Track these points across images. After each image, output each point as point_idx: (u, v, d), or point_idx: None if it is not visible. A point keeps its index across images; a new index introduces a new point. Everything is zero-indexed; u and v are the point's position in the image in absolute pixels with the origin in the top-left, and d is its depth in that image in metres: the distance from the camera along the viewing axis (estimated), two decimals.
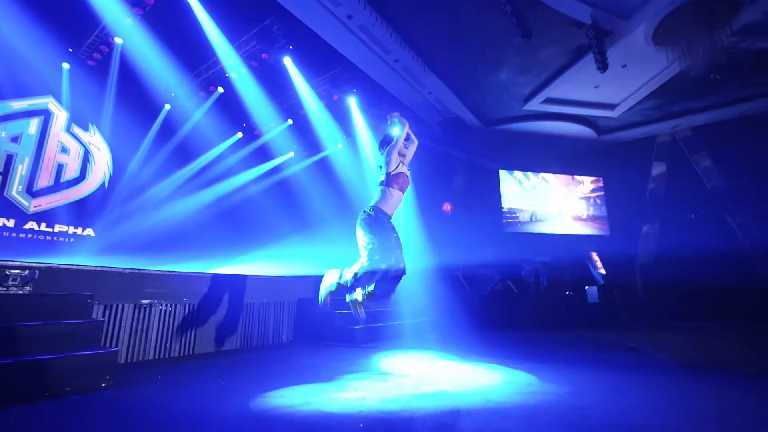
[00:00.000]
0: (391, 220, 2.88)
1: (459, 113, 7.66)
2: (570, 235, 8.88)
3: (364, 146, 7.90)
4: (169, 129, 7.11)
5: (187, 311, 3.16)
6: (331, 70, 6.61)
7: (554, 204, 9.08)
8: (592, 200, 9.22)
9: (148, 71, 6.19)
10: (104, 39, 5.71)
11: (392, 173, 2.91)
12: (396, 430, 1.61)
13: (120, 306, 2.71)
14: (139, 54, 5.85)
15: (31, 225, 5.89)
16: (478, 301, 6.87)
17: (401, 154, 3.04)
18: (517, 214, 8.85)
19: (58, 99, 6.22)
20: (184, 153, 7.18)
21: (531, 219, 8.87)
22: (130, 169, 6.83)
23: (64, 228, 6.21)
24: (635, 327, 6.68)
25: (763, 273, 7.00)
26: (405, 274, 2.84)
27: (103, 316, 2.62)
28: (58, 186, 6.23)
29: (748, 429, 1.71)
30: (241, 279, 3.86)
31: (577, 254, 8.51)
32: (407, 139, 3.19)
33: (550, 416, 1.81)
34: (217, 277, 3.63)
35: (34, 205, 5.95)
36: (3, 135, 5.76)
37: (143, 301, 2.81)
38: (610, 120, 7.79)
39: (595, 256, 8.50)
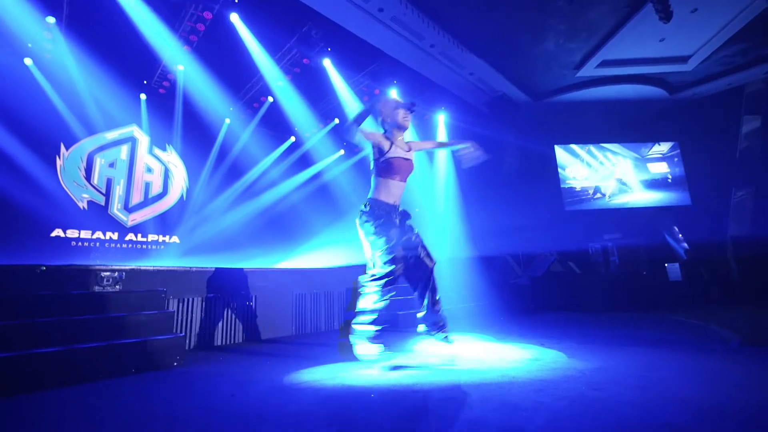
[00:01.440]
0: (397, 210, 2.60)
1: (505, 91, 7.34)
2: (644, 207, 8.07)
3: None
4: (229, 143, 7.85)
5: (246, 303, 3.59)
6: (371, 65, 6.73)
7: (622, 176, 8.30)
8: (667, 166, 8.25)
9: (207, 91, 6.87)
10: (169, 68, 6.45)
11: (380, 160, 2.57)
12: (401, 400, 1.73)
13: (189, 299, 3.19)
14: (198, 77, 6.52)
15: (131, 236, 6.90)
16: (530, 284, 6.60)
17: (388, 138, 2.64)
18: (580, 191, 8.26)
19: (140, 126, 7.18)
20: (240, 165, 7.93)
21: (595, 194, 8.22)
22: (201, 182, 7.67)
23: (156, 237, 7.18)
24: (729, 305, 5.93)
25: None
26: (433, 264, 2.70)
27: (176, 308, 3.11)
28: (147, 201, 7.21)
29: None
30: (291, 272, 4.27)
31: (654, 229, 7.72)
32: (398, 126, 2.70)
33: (558, 390, 1.77)
34: (269, 272, 4.05)
35: (131, 220, 6.96)
36: (103, 162, 6.81)
37: (209, 295, 3.27)
38: (684, 75, 6.89)
39: (675, 228, 7.65)
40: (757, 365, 2.18)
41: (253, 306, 3.64)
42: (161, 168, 7.47)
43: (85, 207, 6.46)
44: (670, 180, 8.15)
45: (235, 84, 6.82)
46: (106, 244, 6.60)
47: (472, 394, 1.75)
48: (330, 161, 8.72)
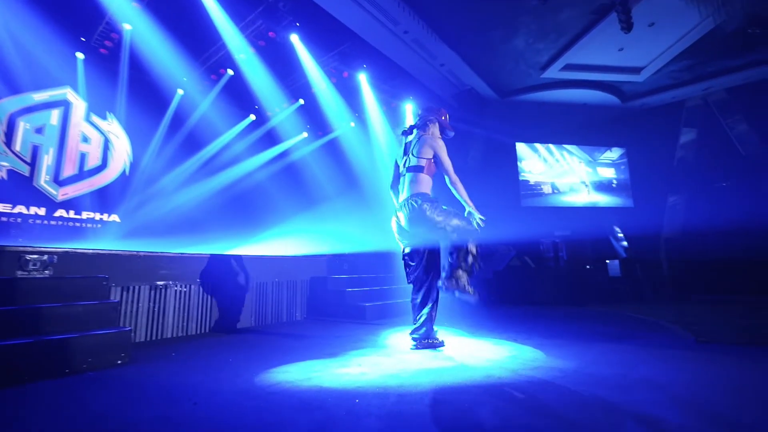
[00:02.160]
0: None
1: (474, 85, 7.40)
2: (591, 207, 8.61)
3: (374, 124, 7.77)
4: (183, 114, 7.19)
5: (202, 291, 3.29)
6: (341, 45, 6.44)
7: (574, 176, 8.77)
8: (614, 171, 8.85)
9: (158, 57, 6.22)
10: (113, 26, 5.73)
11: (431, 159, 3.04)
12: (390, 405, 1.61)
13: (136, 287, 2.85)
14: (148, 40, 5.87)
15: (61, 213, 6.15)
16: (493, 277, 6.82)
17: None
18: (536, 188, 8.62)
19: (75, 89, 6.35)
20: (198, 138, 7.28)
21: (551, 192, 8.63)
22: (148, 155, 6.99)
23: (92, 215, 6.46)
24: (659, 301, 6.53)
25: None
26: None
27: (120, 298, 2.75)
28: (82, 174, 6.44)
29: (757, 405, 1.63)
30: (253, 259, 3.98)
31: (599, 227, 8.26)
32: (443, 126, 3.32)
33: (548, 392, 1.77)
34: (229, 258, 3.75)
35: (61, 194, 6.20)
36: (28, 127, 5.96)
37: (158, 283, 2.94)
38: (636, 85, 7.35)
39: (617, 228, 8.24)
40: (721, 363, 2.34)
41: (210, 295, 3.34)
42: (100, 138, 6.69)
43: (4, 177, 5.64)
44: (615, 184, 8.75)
45: (193, 51, 6.22)
46: (31, 220, 5.84)
47: (461, 398, 1.69)
48: (296, 141, 8.30)
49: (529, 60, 6.63)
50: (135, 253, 2.92)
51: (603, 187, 8.77)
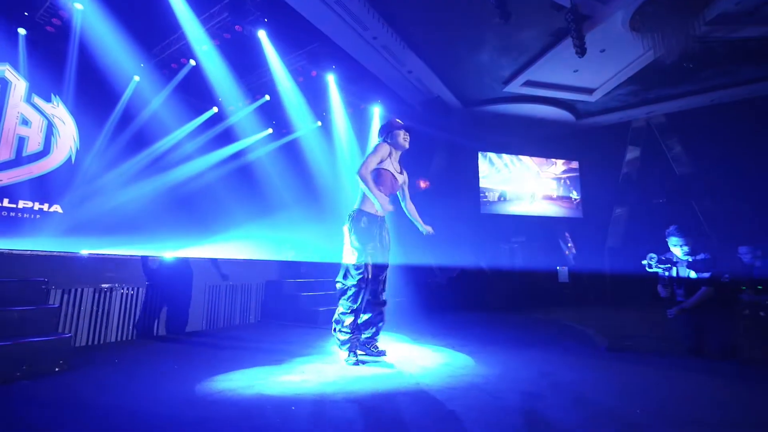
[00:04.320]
0: (380, 219, 2.89)
1: (440, 93, 7.60)
2: (545, 216, 9.12)
3: (338, 126, 7.77)
4: (138, 102, 6.80)
5: (150, 294, 3.17)
6: (310, 44, 6.39)
7: (529, 186, 9.24)
8: (565, 182, 9.43)
9: (112, 41, 5.86)
10: (62, 4, 5.35)
11: (374, 167, 2.86)
12: (323, 413, 1.69)
13: (79, 290, 2.70)
14: (102, 22, 5.52)
15: None
16: (446, 283, 7.05)
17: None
18: (493, 195, 9.00)
19: (16, 67, 5.84)
20: (152, 129, 6.90)
21: (503, 199, 9.04)
22: (98, 144, 6.56)
23: (29, 204, 5.97)
24: (598, 307, 7.03)
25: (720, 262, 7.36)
26: (386, 267, 2.95)
27: (61, 302, 2.60)
28: (20, 160, 5.93)
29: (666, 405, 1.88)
30: (206, 262, 3.87)
31: (552, 235, 8.77)
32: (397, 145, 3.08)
33: (467, 399, 1.92)
34: (181, 260, 3.63)
35: None
36: None
37: (103, 285, 2.81)
38: (588, 104, 7.88)
39: (567, 236, 8.79)
40: (622, 369, 2.61)
41: (159, 298, 3.21)
42: (42, 121, 6.19)
43: None
44: (567, 194, 9.34)
45: (151, 37, 5.92)
46: None
47: (388, 405, 1.79)
48: (259, 138, 8.06)
49: (493, 74, 6.92)
50: (77, 254, 2.77)
51: (554, 197, 9.31)
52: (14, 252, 2.48)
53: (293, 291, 4.44)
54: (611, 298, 7.63)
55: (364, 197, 2.82)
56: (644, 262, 3.42)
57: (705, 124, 7.64)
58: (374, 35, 5.73)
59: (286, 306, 4.27)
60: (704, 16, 4.96)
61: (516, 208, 9.14)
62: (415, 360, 2.79)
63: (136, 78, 6.69)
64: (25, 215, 5.92)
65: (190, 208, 6.86)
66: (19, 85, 5.94)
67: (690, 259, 3.08)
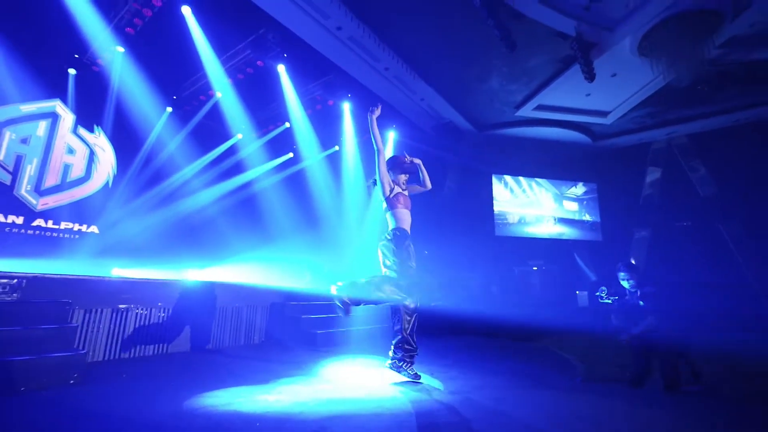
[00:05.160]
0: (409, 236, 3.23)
1: (452, 118, 7.78)
2: (561, 239, 8.95)
3: (348, 154, 8.07)
4: (169, 132, 7.37)
5: (162, 314, 3.43)
6: (326, 75, 6.77)
7: (547, 208, 9.15)
8: (584, 205, 9.26)
9: (147, 77, 6.45)
10: (107, 46, 5.97)
11: (390, 196, 3.26)
12: (282, 430, 1.87)
13: (99, 310, 2.99)
14: (140, 61, 6.11)
15: (39, 222, 6.20)
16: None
17: (395, 182, 3.37)
18: (510, 218, 8.95)
19: (65, 102, 6.51)
20: (182, 155, 7.44)
21: (521, 222, 8.97)
22: (133, 169, 7.12)
23: (70, 225, 6.51)
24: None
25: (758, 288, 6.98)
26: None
27: (82, 320, 2.89)
28: (63, 185, 6.53)
29: None
30: (214, 285, 4.15)
31: (568, 259, 8.59)
32: (402, 171, 3.45)
33: (418, 422, 2.05)
34: (190, 284, 3.91)
35: (41, 204, 6.26)
36: (13, 137, 6.07)
37: (120, 306, 3.09)
38: (604, 127, 7.82)
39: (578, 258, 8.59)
40: (587, 400, 2.64)
41: (170, 318, 3.47)
42: (86, 150, 6.82)
43: None
44: (579, 218, 9.16)
45: (178, 76, 6.49)
46: (7, 229, 5.88)
47: (341, 426, 1.94)
48: (281, 161, 8.48)
49: (504, 99, 7.05)
50: (99, 278, 3.07)
51: (570, 220, 9.15)
52: (46, 276, 2.79)
53: (295, 313, 4.63)
54: None
55: (394, 217, 3.24)
56: (597, 293, 3.79)
57: (729, 144, 7.40)
58: (386, 66, 6.03)
59: (288, 327, 4.46)
60: (715, 40, 4.93)
61: (533, 230, 9.04)
62: (385, 385, 2.90)
63: (169, 109, 7.28)
64: (65, 235, 6.46)
65: (208, 232, 7.31)
66: (67, 118, 6.60)
67: (636, 291, 3.39)
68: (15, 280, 2.44)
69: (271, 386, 2.64)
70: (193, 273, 5.88)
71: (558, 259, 8.76)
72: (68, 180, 6.62)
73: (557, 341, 5.46)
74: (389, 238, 3.16)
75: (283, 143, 8.16)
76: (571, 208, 9.31)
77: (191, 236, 7.06)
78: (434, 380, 3.04)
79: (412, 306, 3.06)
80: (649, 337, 3.14)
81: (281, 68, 6.27)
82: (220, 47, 5.83)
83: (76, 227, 6.56)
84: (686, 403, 2.59)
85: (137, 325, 3.20)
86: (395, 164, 3.44)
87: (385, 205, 3.29)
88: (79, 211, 6.62)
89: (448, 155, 8.67)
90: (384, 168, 3.32)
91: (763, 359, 3.87)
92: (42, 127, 6.37)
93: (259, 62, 6.13)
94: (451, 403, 2.43)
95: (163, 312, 3.43)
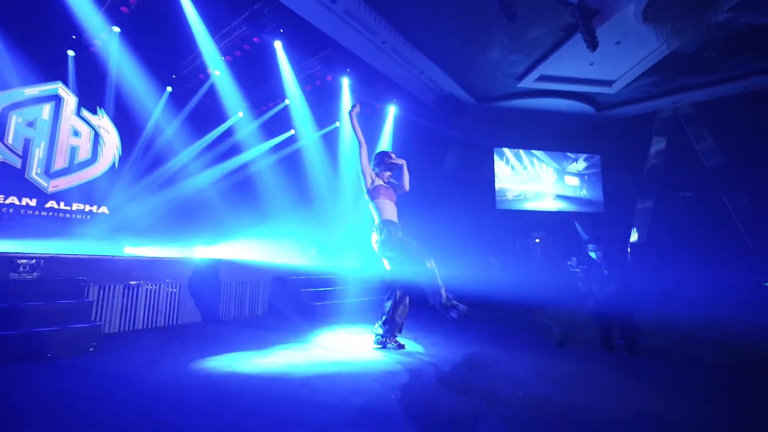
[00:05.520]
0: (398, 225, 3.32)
1: (452, 91, 7.68)
2: (565, 212, 8.98)
3: (346, 130, 8.06)
4: (171, 111, 7.43)
5: (170, 289, 3.68)
6: (324, 50, 6.68)
7: (549, 182, 9.13)
8: (586, 180, 9.22)
9: (146, 56, 6.44)
10: (104, 26, 5.96)
11: (371, 188, 3.36)
12: (270, 388, 2.11)
13: (112, 286, 3.24)
14: (137, 40, 6.10)
15: (51, 204, 6.43)
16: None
17: (378, 175, 3.47)
18: (510, 193, 8.97)
19: (66, 84, 6.57)
20: (184, 135, 7.52)
21: (522, 197, 8.99)
22: (137, 150, 7.25)
23: (81, 206, 6.74)
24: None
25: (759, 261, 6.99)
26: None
27: (96, 296, 3.13)
28: (72, 167, 6.70)
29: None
30: (219, 262, 4.40)
31: (569, 231, 8.65)
32: (387, 168, 3.52)
33: (398, 380, 2.31)
34: (196, 261, 4.16)
35: (52, 186, 6.46)
36: (20, 120, 6.19)
37: (131, 282, 3.32)
38: (609, 96, 7.66)
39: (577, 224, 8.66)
40: (559, 361, 2.88)
41: (177, 292, 3.72)
42: (90, 132, 6.93)
43: None
44: (579, 193, 9.14)
45: (177, 54, 6.46)
46: (22, 211, 6.12)
47: (325, 382, 2.19)
48: (282, 139, 8.52)
49: (505, 70, 6.92)
50: (110, 257, 3.27)
51: (570, 193, 9.15)
52: (62, 256, 2.99)
53: (295, 287, 4.89)
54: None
55: (376, 208, 3.34)
56: (567, 263, 4.28)
57: (737, 113, 7.22)
58: (383, 40, 5.93)
59: (288, 300, 4.75)
60: (721, 4, 4.75)
61: (535, 204, 9.06)
62: (372, 350, 3.19)
63: (169, 89, 7.31)
64: (77, 216, 6.70)
65: (211, 211, 7.51)
66: (70, 101, 6.68)
67: (602, 263, 3.78)
68: (34, 260, 2.65)
69: (267, 351, 2.91)
70: (200, 250, 6.10)
71: (560, 231, 8.83)
72: (76, 162, 6.78)
73: (548, 311, 5.63)
74: (378, 234, 3.24)
75: (282, 121, 8.17)
76: (573, 183, 9.27)
77: (196, 215, 7.28)
78: (418, 346, 3.31)
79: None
80: (612, 302, 3.45)
81: (278, 44, 6.20)
82: (216, 24, 5.78)
83: (87, 208, 6.78)
84: (631, 364, 2.93)
85: (148, 300, 3.46)
86: (381, 159, 3.52)
87: (367, 197, 3.39)
88: (89, 192, 6.82)
89: (450, 129, 8.62)
90: (365, 161, 3.39)
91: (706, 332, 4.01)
92: (46, 110, 6.47)
93: (255, 38, 6.07)
94: (431, 362, 2.71)
95: (172, 287, 3.67)
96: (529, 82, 7.15)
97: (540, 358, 3.01)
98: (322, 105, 7.83)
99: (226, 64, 6.60)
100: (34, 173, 6.29)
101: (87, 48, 6.48)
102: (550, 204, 9.09)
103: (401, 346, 3.19)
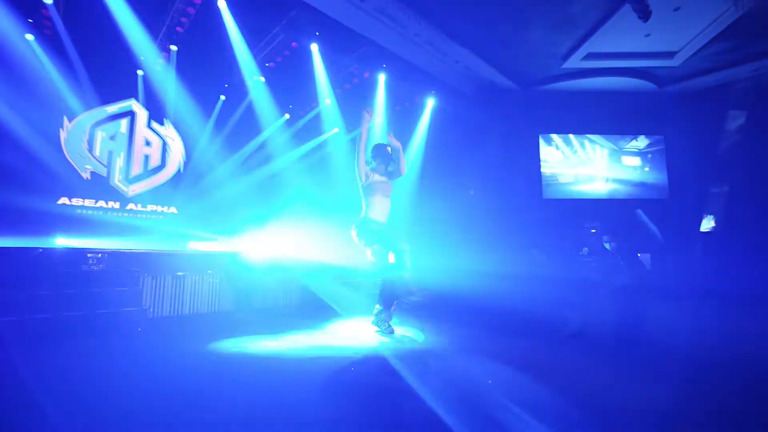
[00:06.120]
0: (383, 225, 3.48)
1: (492, 78, 7.44)
2: (621, 199, 8.28)
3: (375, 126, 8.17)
4: (225, 116, 8.15)
5: (211, 280, 4.18)
6: (359, 49, 6.84)
7: (601, 167, 8.43)
8: (649, 159, 8.36)
9: (202, 69, 7.12)
10: (164, 47, 6.68)
11: (365, 184, 3.49)
12: (274, 364, 2.46)
13: (161, 276, 3.77)
14: (193, 55, 6.77)
15: (131, 206, 7.38)
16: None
17: (375, 170, 3.59)
18: (558, 179, 8.45)
19: (138, 100, 7.48)
20: (237, 137, 8.23)
21: (571, 183, 8.42)
22: (198, 154, 8.05)
23: (155, 207, 7.66)
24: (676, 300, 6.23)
25: None
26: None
27: (148, 285, 3.70)
28: (145, 173, 7.63)
29: None
30: (259, 256, 4.85)
31: (628, 220, 7.98)
32: (384, 160, 3.64)
33: (400, 362, 2.52)
34: (234, 254, 4.63)
35: (131, 191, 7.42)
36: (104, 135, 7.19)
37: (179, 273, 3.81)
38: (671, 69, 6.90)
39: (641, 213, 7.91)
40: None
41: (218, 282, 4.22)
42: (159, 142, 7.82)
43: (89, 177, 6.91)
44: (640, 175, 8.30)
45: (227, 65, 7.04)
46: (109, 213, 7.11)
47: (317, 362, 2.47)
48: (324, 138, 8.93)
49: (547, 51, 6.55)
50: (161, 251, 3.79)
51: (630, 176, 8.36)
52: (122, 251, 3.56)
53: (322, 280, 5.21)
54: (702, 289, 6.71)
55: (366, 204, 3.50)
56: (580, 253, 4.55)
57: None
58: (416, 33, 5.94)
59: (316, 293, 5.07)
60: None
61: (587, 188, 8.45)
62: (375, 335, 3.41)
63: (222, 97, 7.99)
64: (152, 216, 7.63)
65: (249, 207, 8.16)
66: (142, 114, 7.60)
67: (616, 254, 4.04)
68: (100, 255, 3.22)
69: (279, 336, 3.26)
70: (245, 244, 6.68)
71: (616, 219, 8.17)
72: (149, 169, 7.71)
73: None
74: (356, 228, 3.44)
75: (322, 121, 8.54)
76: (633, 164, 8.45)
77: (237, 211, 8.02)
78: (422, 334, 3.46)
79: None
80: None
81: (314, 47, 6.49)
82: (257, 34, 6.20)
83: (159, 209, 7.70)
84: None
85: (192, 289, 3.99)
86: (378, 152, 3.63)
87: (361, 192, 3.52)
88: (160, 194, 7.74)
89: (491, 117, 8.35)
90: (362, 158, 3.50)
91: None
92: (123, 124, 7.42)
93: (293, 43, 6.41)
94: (424, 345, 2.96)
95: (212, 278, 4.18)
96: (575, 62, 6.70)
97: (541, 344, 3.13)
98: (360, 103, 8.01)
99: (267, 71, 7.05)
100: (117, 180, 7.27)
101: (153, 67, 7.31)
102: (603, 187, 8.42)
103: (391, 331, 3.35)
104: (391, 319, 3.43)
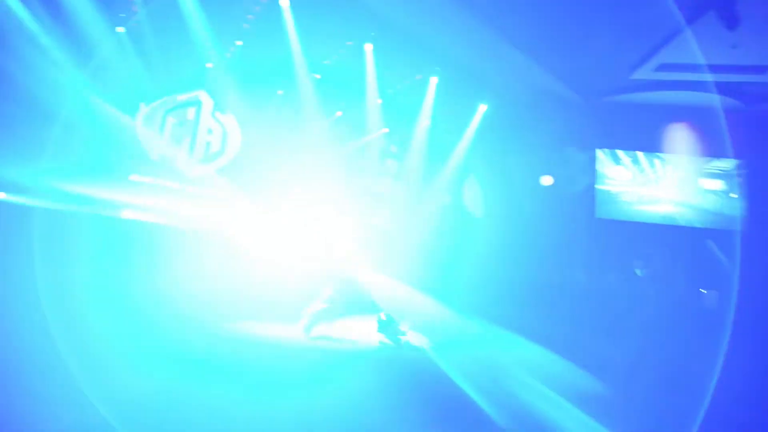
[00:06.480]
0: None
1: (552, 88, 7.08)
2: (685, 227, 7.46)
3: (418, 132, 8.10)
4: (280, 109, 8.57)
5: None
6: (413, 51, 6.84)
7: (671, 186, 7.62)
8: (724, 186, 7.43)
9: (264, 64, 7.57)
10: (231, 41, 7.19)
11: None
12: (285, 352, 2.79)
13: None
14: (255, 49, 7.22)
15: (191, 188, 8.03)
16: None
17: None
18: (621, 198, 7.79)
19: (206, 90, 8.11)
20: (290, 131, 8.59)
21: (635, 204, 7.72)
22: (252, 144, 8.55)
23: (212, 190, 8.26)
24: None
25: None
26: None
27: None
28: (207, 157, 8.25)
29: None
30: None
31: (693, 249, 7.19)
32: None
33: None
34: None
35: (194, 173, 8.08)
36: (174, 121, 7.91)
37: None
38: (762, 86, 6.12)
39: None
40: None
41: None
42: (220, 129, 8.41)
43: (158, 159, 7.64)
44: (720, 201, 7.37)
45: (285, 60, 7.40)
46: (173, 193, 7.79)
47: (312, 350, 2.72)
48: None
49: (614, 60, 6.11)
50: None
51: (707, 202, 7.48)
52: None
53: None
54: None
55: None
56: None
57: None
58: (472, 36, 5.83)
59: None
60: None
61: (650, 210, 7.70)
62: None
63: (280, 92, 8.41)
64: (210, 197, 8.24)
65: None
66: (208, 104, 8.22)
67: None
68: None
69: (288, 322, 3.50)
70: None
71: (681, 249, 7.40)
72: (210, 153, 8.35)
73: None
74: None
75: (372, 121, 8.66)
76: (714, 187, 7.54)
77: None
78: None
79: None
80: None
81: (368, 47, 6.61)
82: (313, 31, 6.45)
83: (215, 192, 8.30)
84: None
85: None
86: None
87: None
88: (217, 178, 8.33)
89: (549, 129, 7.94)
90: None
91: None
92: (191, 112, 8.09)
93: (348, 42, 6.58)
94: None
95: None
96: (645, 73, 6.19)
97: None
98: (410, 105, 8.01)
99: (323, 69, 7.31)
100: (182, 163, 7.94)
101: (221, 59, 7.88)
102: (671, 211, 7.60)
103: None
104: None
